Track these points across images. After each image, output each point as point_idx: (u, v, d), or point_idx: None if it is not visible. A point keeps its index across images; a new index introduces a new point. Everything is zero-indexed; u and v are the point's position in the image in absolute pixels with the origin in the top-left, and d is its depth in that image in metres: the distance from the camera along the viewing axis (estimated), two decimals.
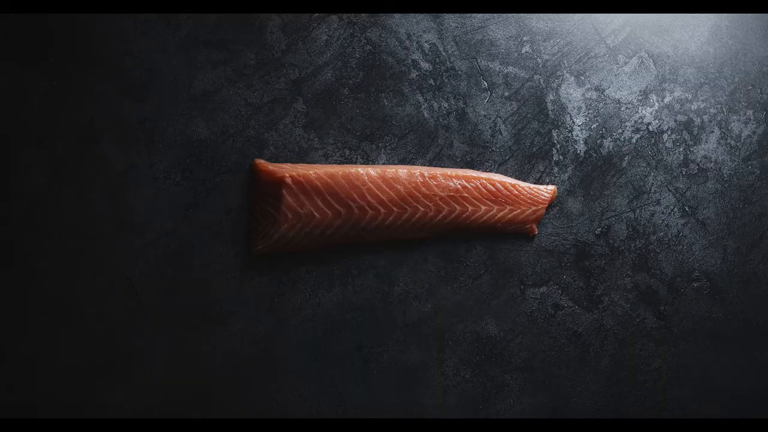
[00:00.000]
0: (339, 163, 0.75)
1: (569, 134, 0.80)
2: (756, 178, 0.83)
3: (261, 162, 0.72)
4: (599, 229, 0.80)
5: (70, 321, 0.68)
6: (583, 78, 0.80)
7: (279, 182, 0.70)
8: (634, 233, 0.80)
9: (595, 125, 0.80)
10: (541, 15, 0.80)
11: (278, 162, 0.73)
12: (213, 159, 0.73)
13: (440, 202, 0.74)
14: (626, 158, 0.80)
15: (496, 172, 0.78)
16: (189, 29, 0.73)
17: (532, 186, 0.77)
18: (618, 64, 0.81)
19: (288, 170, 0.71)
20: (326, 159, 0.75)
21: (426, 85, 0.77)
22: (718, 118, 0.82)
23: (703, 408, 0.80)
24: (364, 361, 0.74)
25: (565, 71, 0.80)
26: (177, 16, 0.73)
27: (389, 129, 0.76)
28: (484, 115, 0.78)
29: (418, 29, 0.77)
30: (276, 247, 0.71)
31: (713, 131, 0.82)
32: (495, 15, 0.79)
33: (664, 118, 0.81)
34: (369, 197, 0.72)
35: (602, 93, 0.81)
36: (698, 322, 0.81)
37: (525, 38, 0.79)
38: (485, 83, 0.78)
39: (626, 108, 0.81)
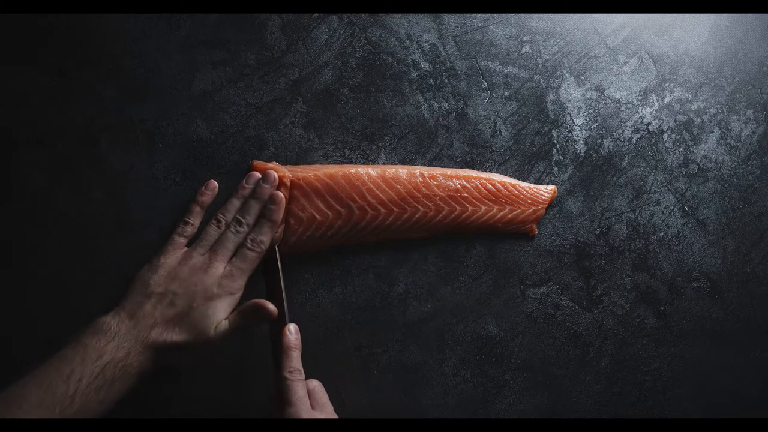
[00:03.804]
0: (339, 163, 0.75)
1: (569, 134, 0.80)
2: (756, 178, 0.83)
3: (259, 164, 0.72)
4: (599, 229, 0.80)
5: (70, 321, 0.68)
6: (583, 78, 0.80)
7: (279, 185, 0.70)
8: (634, 233, 0.80)
9: (595, 125, 0.80)
10: (541, 15, 0.80)
11: (278, 162, 0.73)
12: (213, 159, 0.73)
13: (440, 202, 0.74)
14: (626, 158, 0.80)
15: (496, 172, 0.78)
16: (189, 29, 0.73)
17: (532, 186, 0.77)
18: (618, 64, 0.81)
19: (287, 173, 0.70)
20: (326, 159, 0.75)
21: (426, 85, 0.77)
22: (718, 118, 0.82)
23: (703, 408, 0.80)
24: (364, 361, 0.74)
25: (565, 71, 0.80)
26: (177, 16, 0.73)
27: (389, 129, 0.76)
28: (484, 115, 0.78)
29: (418, 29, 0.77)
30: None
31: (713, 131, 0.82)
32: (495, 15, 0.79)
33: (664, 118, 0.81)
34: (369, 197, 0.71)
35: (602, 93, 0.80)
36: (698, 322, 0.81)
37: (525, 38, 0.79)
38: (485, 83, 0.78)
39: (626, 108, 0.81)
